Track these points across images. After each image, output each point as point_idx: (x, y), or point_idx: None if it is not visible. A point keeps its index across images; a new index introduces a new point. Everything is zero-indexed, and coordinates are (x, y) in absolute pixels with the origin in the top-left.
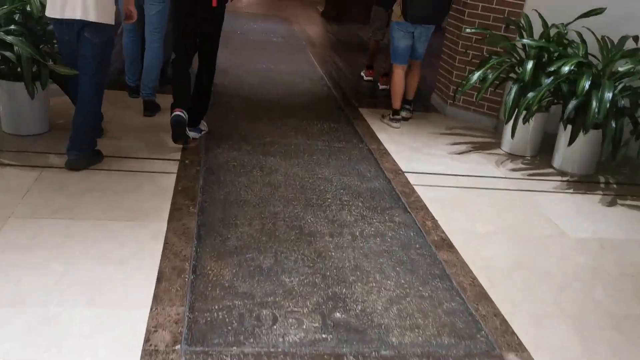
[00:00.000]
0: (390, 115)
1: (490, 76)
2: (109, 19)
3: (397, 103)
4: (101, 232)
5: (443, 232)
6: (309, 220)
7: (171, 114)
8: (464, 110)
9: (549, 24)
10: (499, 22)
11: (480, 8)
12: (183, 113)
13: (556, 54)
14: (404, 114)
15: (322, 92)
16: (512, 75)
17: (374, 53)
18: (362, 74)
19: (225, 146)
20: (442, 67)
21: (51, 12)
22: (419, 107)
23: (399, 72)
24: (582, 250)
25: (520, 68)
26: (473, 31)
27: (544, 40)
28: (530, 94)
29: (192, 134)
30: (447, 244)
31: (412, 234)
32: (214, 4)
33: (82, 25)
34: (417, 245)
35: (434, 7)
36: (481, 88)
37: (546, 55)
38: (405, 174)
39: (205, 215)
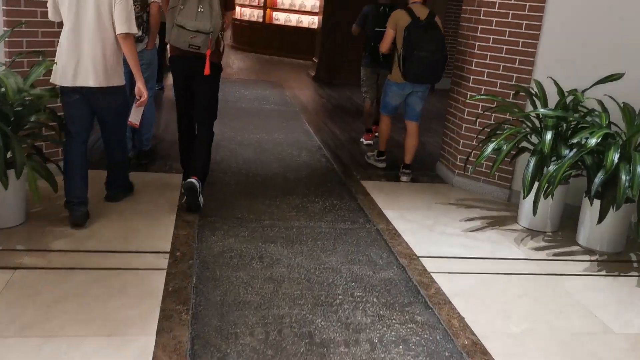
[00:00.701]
0: (376, 156)
1: (504, 147)
2: (120, 81)
3: (382, 146)
4: (76, 353)
5: (473, 333)
6: (320, 325)
7: (184, 180)
8: (473, 180)
9: (564, 91)
10: (506, 88)
11: (486, 74)
12: (197, 180)
13: (575, 124)
14: (403, 178)
15: (321, 165)
16: (527, 145)
17: (368, 114)
18: (362, 139)
19: (221, 232)
20: (447, 134)
21: (62, 80)
22: (424, 177)
23: (386, 120)
24: (635, 351)
25: (534, 137)
26: (482, 98)
27: (561, 109)
28: (552, 167)
29: (191, 180)
30: (480, 350)
31: (438, 337)
32: (207, 72)
33: (94, 93)
34: (447, 353)
35: (431, 68)
36: (495, 160)
37: (564, 125)
38: (421, 259)
39: (199, 323)
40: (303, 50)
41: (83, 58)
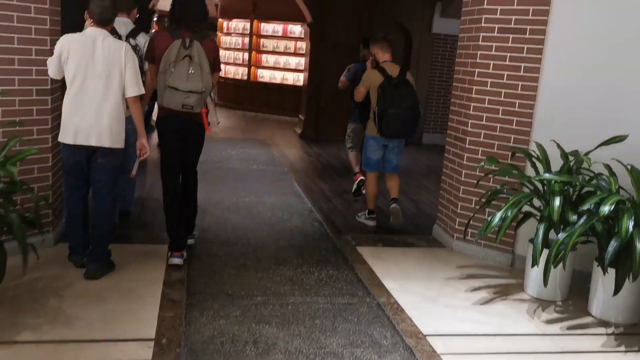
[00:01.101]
0: (367, 214)
1: (509, 213)
2: (121, 143)
3: (371, 204)
4: None
5: None
6: None
7: (170, 250)
8: (473, 245)
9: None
10: (504, 149)
11: (482, 135)
12: (180, 258)
13: (580, 188)
14: (393, 206)
15: (314, 230)
16: (531, 209)
17: (355, 162)
18: (354, 187)
19: (210, 313)
20: (444, 196)
21: (63, 138)
22: (421, 242)
23: (372, 177)
24: None
25: (538, 201)
26: (486, 167)
27: (566, 174)
28: (561, 235)
29: (175, 261)
30: None
31: None
32: (208, 130)
33: (94, 150)
34: None
35: (404, 124)
36: (500, 228)
37: (571, 190)
38: (428, 339)
39: None
40: (289, 107)
41: (88, 118)
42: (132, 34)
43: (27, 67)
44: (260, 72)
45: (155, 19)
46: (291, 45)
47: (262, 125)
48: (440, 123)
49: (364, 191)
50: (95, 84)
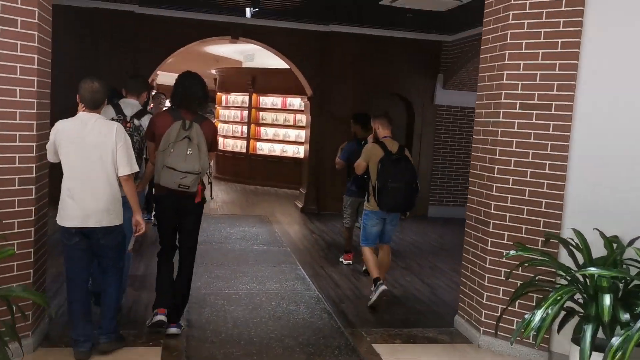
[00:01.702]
0: (373, 287)
1: (550, 311)
2: (119, 220)
3: (375, 273)
4: None
5: None
6: None
7: (153, 316)
8: (502, 340)
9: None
10: (532, 234)
11: (508, 218)
12: (165, 315)
13: (629, 281)
14: (382, 290)
15: (324, 323)
16: (572, 305)
17: (349, 238)
18: (341, 259)
19: None
20: (466, 284)
21: (61, 221)
22: (443, 335)
23: (369, 251)
24: None
25: (580, 296)
26: (516, 255)
27: (615, 268)
28: (616, 340)
29: (173, 330)
30: None
31: None
32: (198, 199)
33: (94, 231)
34: None
35: (404, 198)
36: (540, 328)
37: (620, 285)
38: None
39: None
40: (288, 180)
41: (85, 200)
42: (137, 115)
43: (10, 155)
44: (259, 144)
45: (152, 93)
46: (290, 117)
47: (262, 200)
48: (446, 195)
49: (344, 262)
50: (90, 167)
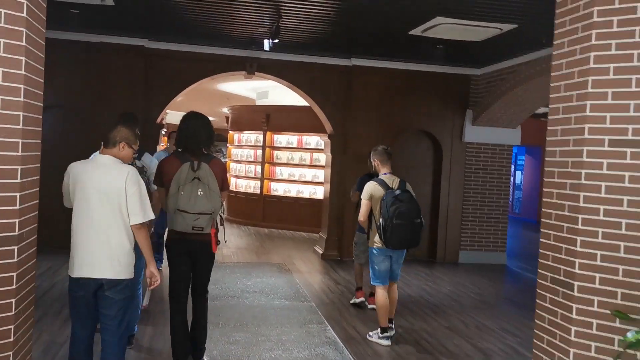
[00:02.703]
0: (379, 334)
1: None
2: (129, 274)
3: (384, 321)
4: None
5: None
6: None
7: None
8: None
9: None
10: (631, 299)
11: (597, 280)
12: None
13: None
14: (389, 333)
15: None
16: None
17: (360, 274)
18: (353, 301)
19: None
20: (541, 358)
21: (70, 271)
22: None
23: (382, 293)
24: None
25: None
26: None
27: None
28: None
29: None
30: None
31: None
32: (214, 249)
33: (101, 283)
34: None
35: (411, 234)
36: None
37: None
38: None
39: None
40: (305, 223)
41: (93, 248)
42: (137, 155)
43: None
44: (273, 185)
45: (163, 132)
46: (307, 156)
47: (278, 244)
48: (477, 240)
49: (370, 306)
50: (99, 212)
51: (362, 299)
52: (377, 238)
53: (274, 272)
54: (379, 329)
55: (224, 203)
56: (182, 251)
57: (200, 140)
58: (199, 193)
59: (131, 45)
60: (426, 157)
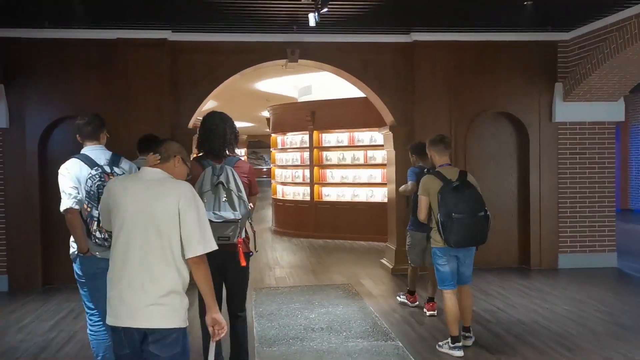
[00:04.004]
0: (450, 344)
1: None
2: (180, 321)
3: (454, 330)
4: None
5: None
6: None
7: None
8: None
9: None
10: None
11: None
12: None
13: None
14: (465, 342)
15: None
16: None
17: (414, 279)
18: (404, 300)
19: None
20: None
21: (108, 317)
22: None
23: (450, 297)
24: None
25: None
26: None
27: None
28: None
29: None
30: None
31: None
32: (243, 263)
33: (145, 334)
34: None
35: (473, 229)
36: None
37: None
38: None
39: None
40: (364, 230)
41: (132, 288)
42: (113, 162)
43: None
44: (325, 190)
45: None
46: (360, 155)
47: (337, 258)
48: (579, 239)
49: (427, 313)
50: (144, 241)
51: (416, 303)
52: (437, 237)
53: (341, 298)
54: (449, 339)
55: (252, 210)
56: (213, 268)
57: (223, 141)
58: (222, 199)
59: (152, 39)
60: (509, 145)
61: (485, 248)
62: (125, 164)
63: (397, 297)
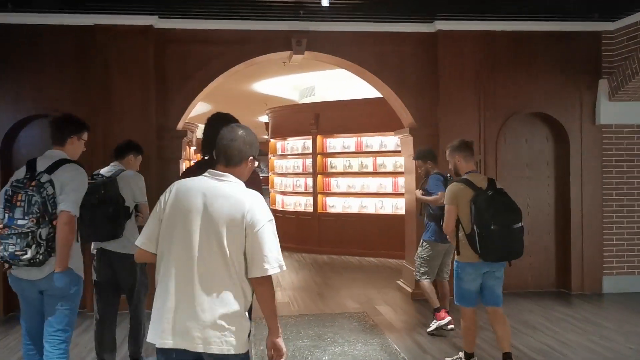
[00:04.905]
0: (463, 358)
1: None
2: (243, 347)
3: (470, 345)
4: None
5: None
6: None
7: None
8: None
9: None
10: None
11: None
12: None
13: None
14: None
15: None
16: None
17: (433, 292)
18: (437, 325)
19: None
20: None
21: (154, 337)
22: None
23: (469, 314)
24: None
25: None
26: None
27: None
28: None
29: None
30: None
31: None
32: None
33: (201, 358)
34: None
35: (513, 241)
36: None
37: None
38: None
39: None
40: (373, 245)
41: (187, 307)
42: (51, 169)
43: None
44: (329, 200)
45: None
46: (369, 162)
47: (346, 278)
48: (627, 259)
49: (449, 327)
50: (206, 253)
51: (448, 318)
52: (468, 251)
53: (357, 331)
54: (462, 353)
55: None
56: None
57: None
58: None
59: (135, 26)
60: (545, 151)
61: (519, 269)
62: (61, 172)
63: (429, 330)
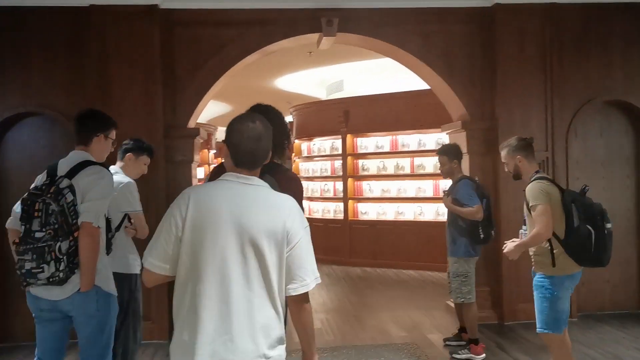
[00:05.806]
0: None
1: None
2: None
3: None
4: None
5: None
6: None
7: None
8: None
9: None
10: None
11: None
12: None
13: None
14: None
15: None
16: None
17: (476, 321)
18: (468, 356)
19: None
20: None
21: None
22: None
23: (563, 340)
24: None
25: None
26: None
27: None
28: None
29: None
30: None
31: None
32: None
33: None
34: None
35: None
36: None
37: None
38: None
39: None
40: (412, 256)
41: (222, 334)
42: (71, 173)
43: None
44: (361, 207)
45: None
46: (405, 163)
47: (385, 297)
48: None
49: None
50: (243, 271)
51: (484, 355)
52: (566, 260)
53: None
54: None
55: None
56: None
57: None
58: None
59: (138, 6)
60: (624, 146)
61: (594, 286)
62: (83, 176)
63: (456, 355)
